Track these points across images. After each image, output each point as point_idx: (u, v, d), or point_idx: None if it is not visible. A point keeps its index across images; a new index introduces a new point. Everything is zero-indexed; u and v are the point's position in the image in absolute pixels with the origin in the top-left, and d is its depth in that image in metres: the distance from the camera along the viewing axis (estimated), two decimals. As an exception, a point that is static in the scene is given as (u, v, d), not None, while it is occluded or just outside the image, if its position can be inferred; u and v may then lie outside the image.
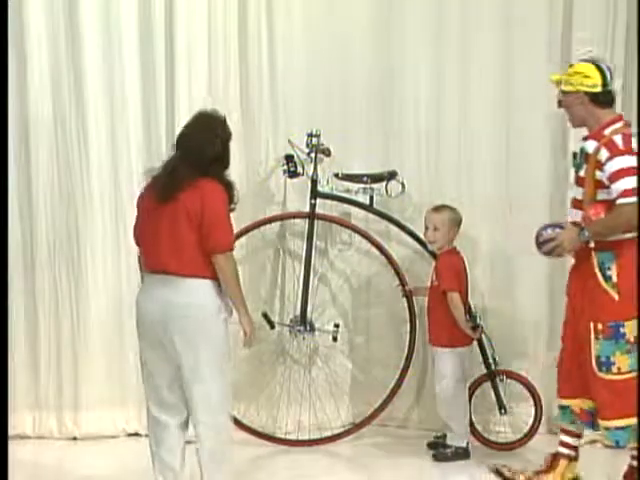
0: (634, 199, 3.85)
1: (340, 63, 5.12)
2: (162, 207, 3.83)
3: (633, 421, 3.99)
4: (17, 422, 4.96)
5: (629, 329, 3.97)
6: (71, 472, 4.61)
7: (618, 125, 4.02)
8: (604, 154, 3.93)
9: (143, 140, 5.03)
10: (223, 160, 3.97)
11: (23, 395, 5.01)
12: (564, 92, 4.12)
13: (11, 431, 4.63)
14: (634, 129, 4.10)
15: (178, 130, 4.80)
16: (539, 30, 4.98)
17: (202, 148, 3.89)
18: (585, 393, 4.13)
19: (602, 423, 4.09)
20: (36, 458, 4.80)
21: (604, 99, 4.05)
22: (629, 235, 3.95)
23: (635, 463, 4.16)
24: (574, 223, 4.09)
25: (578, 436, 4.30)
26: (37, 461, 4.76)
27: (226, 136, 4.00)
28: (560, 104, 4.20)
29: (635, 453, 4.13)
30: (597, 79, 4.05)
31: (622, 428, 4.02)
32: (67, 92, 4.95)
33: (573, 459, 4.30)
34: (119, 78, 4.98)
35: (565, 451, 4.31)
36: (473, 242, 5.08)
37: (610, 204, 3.94)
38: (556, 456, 4.33)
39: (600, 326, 4.01)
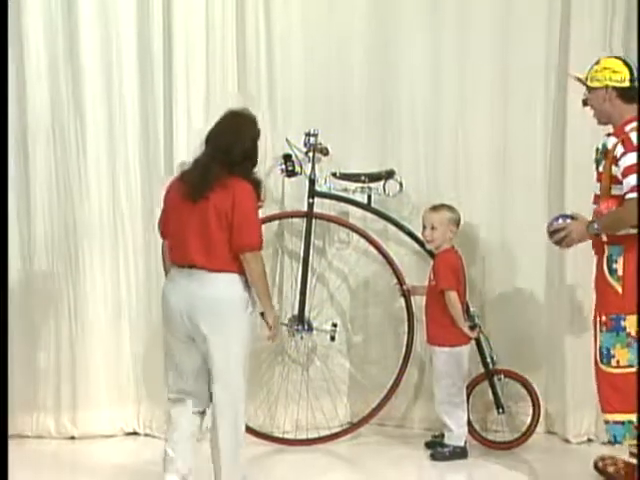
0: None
1: (338, 62, 5.12)
2: (192, 205, 3.90)
3: (631, 417, 4.01)
4: (15, 422, 4.94)
5: (630, 323, 4.01)
6: (69, 471, 4.61)
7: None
8: (620, 150, 3.98)
9: (140, 139, 5.02)
10: (252, 158, 4.04)
11: (21, 395, 5.00)
12: (591, 88, 4.13)
13: (9, 431, 4.63)
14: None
15: (176, 138, 4.91)
16: (537, 28, 4.98)
17: (232, 146, 3.95)
18: None
19: (603, 416, 4.13)
20: (34, 458, 4.79)
21: (631, 94, 4.07)
22: (637, 230, 3.98)
23: (634, 460, 4.16)
24: None
25: None
26: (35, 461, 4.75)
27: (255, 134, 4.07)
28: (585, 102, 4.21)
29: (634, 450, 4.13)
30: (625, 74, 4.08)
31: (621, 423, 4.05)
32: (65, 92, 4.94)
33: None
34: (117, 78, 4.97)
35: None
36: (471, 241, 5.08)
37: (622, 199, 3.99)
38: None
39: (604, 318, 4.08)
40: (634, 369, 4.01)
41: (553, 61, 4.96)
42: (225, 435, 3.98)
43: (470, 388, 4.88)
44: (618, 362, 4.05)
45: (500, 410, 4.93)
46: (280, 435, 5.04)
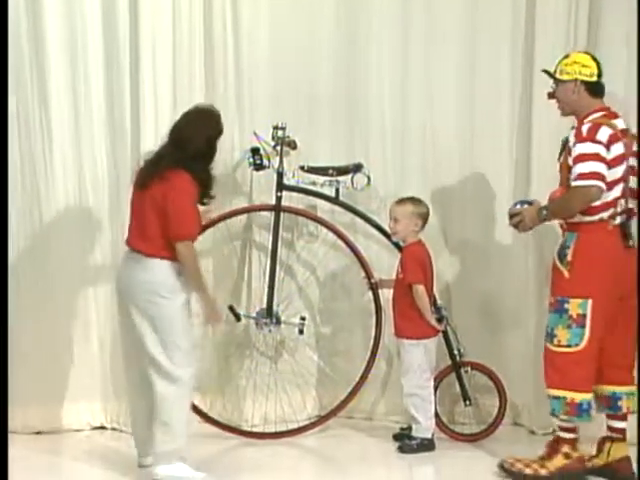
0: (584, 182, 4.09)
1: (306, 55, 5.12)
2: (139, 193, 4.20)
3: (565, 394, 4.21)
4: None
5: (573, 306, 4.20)
6: (36, 466, 4.57)
7: (597, 115, 4.21)
8: (572, 141, 4.19)
9: (107, 130, 4.95)
10: (206, 157, 4.19)
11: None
12: (560, 81, 4.27)
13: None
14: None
15: (143, 129, 4.87)
16: (503, 27, 5.03)
17: (187, 143, 4.15)
18: (603, 378, 4.32)
19: (546, 391, 4.31)
20: (0, 453, 4.77)
21: (598, 89, 4.26)
22: (589, 218, 4.17)
23: (563, 434, 4.33)
24: None
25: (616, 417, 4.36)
26: (1, 455, 4.73)
27: (215, 133, 4.23)
28: (551, 95, 4.33)
29: (563, 424, 4.31)
30: (594, 69, 4.25)
31: (557, 398, 4.24)
32: (30, 88, 4.87)
33: (612, 440, 4.36)
34: (83, 76, 4.89)
35: (606, 433, 4.41)
36: (439, 234, 5.11)
37: None
38: (602, 440, 4.41)
39: (551, 299, 4.28)
40: (571, 349, 4.20)
41: (518, 57, 5.01)
42: (158, 426, 4.16)
43: (437, 380, 4.91)
44: (559, 341, 4.23)
45: (467, 402, 4.97)
46: (248, 428, 5.04)
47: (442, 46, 5.09)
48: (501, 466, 4.39)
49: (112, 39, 4.91)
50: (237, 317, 4.95)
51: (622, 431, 4.35)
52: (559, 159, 4.31)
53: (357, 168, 4.97)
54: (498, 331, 5.15)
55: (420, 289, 4.69)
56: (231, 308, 4.96)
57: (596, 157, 4.09)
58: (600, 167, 4.09)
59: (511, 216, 4.37)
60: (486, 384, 4.98)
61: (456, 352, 4.93)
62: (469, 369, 4.96)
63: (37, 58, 4.86)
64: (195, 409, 5.00)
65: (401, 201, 4.79)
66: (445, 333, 4.89)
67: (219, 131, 4.24)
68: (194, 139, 4.14)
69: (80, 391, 5.00)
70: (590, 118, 4.19)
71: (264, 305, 4.94)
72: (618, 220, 4.19)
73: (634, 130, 4.31)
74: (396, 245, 4.92)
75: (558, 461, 4.29)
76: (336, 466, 4.72)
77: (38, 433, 4.98)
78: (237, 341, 5.14)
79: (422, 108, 5.15)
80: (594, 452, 4.38)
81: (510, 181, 5.10)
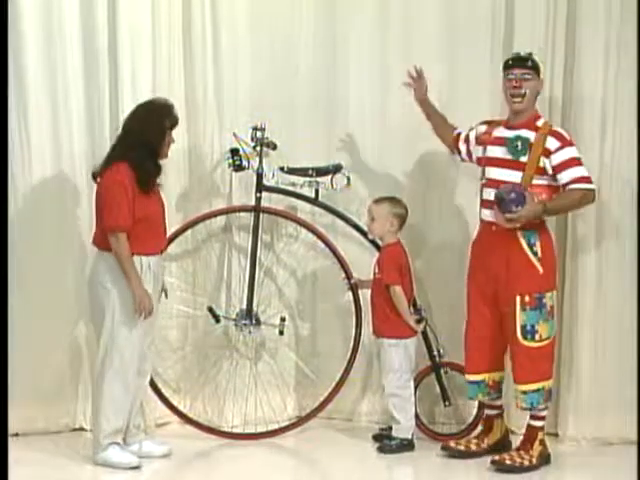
0: (591, 186, 4.40)
1: (285, 57, 5.13)
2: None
3: (544, 384, 4.48)
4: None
5: (547, 299, 4.48)
6: (14, 468, 4.53)
7: (545, 119, 4.54)
8: (554, 143, 4.37)
9: (86, 141, 4.89)
10: (148, 145, 4.31)
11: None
12: (536, 74, 4.49)
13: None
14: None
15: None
16: (482, 32, 5.03)
17: (129, 133, 4.35)
18: (499, 366, 4.64)
19: (519, 387, 4.50)
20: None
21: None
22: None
23: (536, 423, 4.59)
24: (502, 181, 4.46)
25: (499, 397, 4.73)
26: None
27: (159, 126, 4.34)
28: (520, 84, 4.44)
29: (538, 414, 4.57)
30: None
31: (536, 391, 4.46)
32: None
33: (501, 416, 4.76)
34: (61, 75, 4.83)
35: (493, 412, 4.75)
36: (420, 235, 5.12)
37: (546, 188, 4.41)
38: (489, 418, 4.76)
39: (527, 298, 4.44)
40: (548, 341, 4.48)
41: (497, 56, 5.01)
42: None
43: (417, 381, 4.91)
44: (540, 336, 4.46)
45: (446, 403, 4.99)
46: (228, 429, 5.03)
47: (422, 44, 5.07)
48: (496, 461, 4.51)
49: (90, 45, 4.85)
50: (216, 318, 4.95)
51: (501, 407, 4.74)
52: (517, 158, 4.40)
53: (337, 169, 4.98)
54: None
55: (397, 290, 4.69)
56: (210, 309, 4.96)
57: (582, 162, 4.41)
58: None
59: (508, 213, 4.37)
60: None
61: (435, 353, 4.94)
62: (448, 370, 4.96)
63: (14, 57, 4.77)
64: (175, 410, 5.01)
65: (379, 200, 4.80)
66: (424, 334, 4.90)
67: (165, 125, 4.35)
68: (136, 131, 4.31)
69: (58, 393, 4.95)
70: (543, 121, 4.48)
71: (244, 306, 4.93)
72: None
73: None
74: (375, 245, 4.92)
75: (536, 448, 4.56)
76: (315, 466, 4.74)
77: (16, 435, 4.93)
78: (217, 342, 5.13)
79: (402, 109, 5.12)
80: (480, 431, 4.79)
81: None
